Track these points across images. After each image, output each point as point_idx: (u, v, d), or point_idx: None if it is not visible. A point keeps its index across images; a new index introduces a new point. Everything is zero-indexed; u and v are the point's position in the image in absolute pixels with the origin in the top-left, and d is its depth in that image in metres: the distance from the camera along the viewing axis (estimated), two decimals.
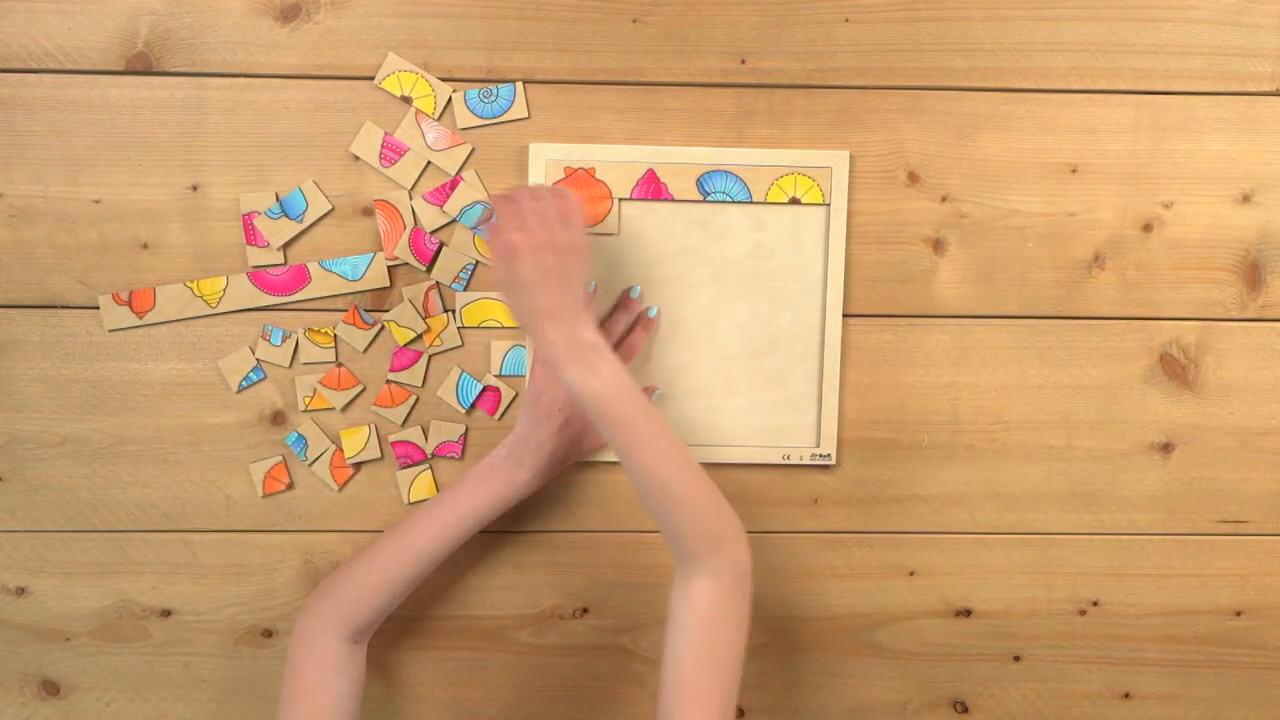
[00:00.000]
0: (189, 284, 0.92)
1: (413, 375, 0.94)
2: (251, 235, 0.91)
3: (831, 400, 0.95)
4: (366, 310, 0.93)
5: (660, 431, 0.82)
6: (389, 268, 0.92)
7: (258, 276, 0.92)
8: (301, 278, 0.92)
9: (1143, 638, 1.02)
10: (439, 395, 0.94)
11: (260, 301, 0.92)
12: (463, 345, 0.94)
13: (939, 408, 0.97)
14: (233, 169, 0.91)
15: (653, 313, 0.91)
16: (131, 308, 0.92)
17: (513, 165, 0.92)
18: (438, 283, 0.93)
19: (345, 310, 0.93)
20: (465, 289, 0.93)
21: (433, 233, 0.92)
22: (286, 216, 0.91)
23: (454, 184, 0.91)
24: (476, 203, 0.92)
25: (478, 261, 0.93)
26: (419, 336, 0.94)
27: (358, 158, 0.91)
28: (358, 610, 0.87)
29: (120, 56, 0.89)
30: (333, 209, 0.91)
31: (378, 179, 0.91)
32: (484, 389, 0.95)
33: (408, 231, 0.92)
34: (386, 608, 0.89)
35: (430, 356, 0.94)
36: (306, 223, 0.91)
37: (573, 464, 0.95)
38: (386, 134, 0.90)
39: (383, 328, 0.93)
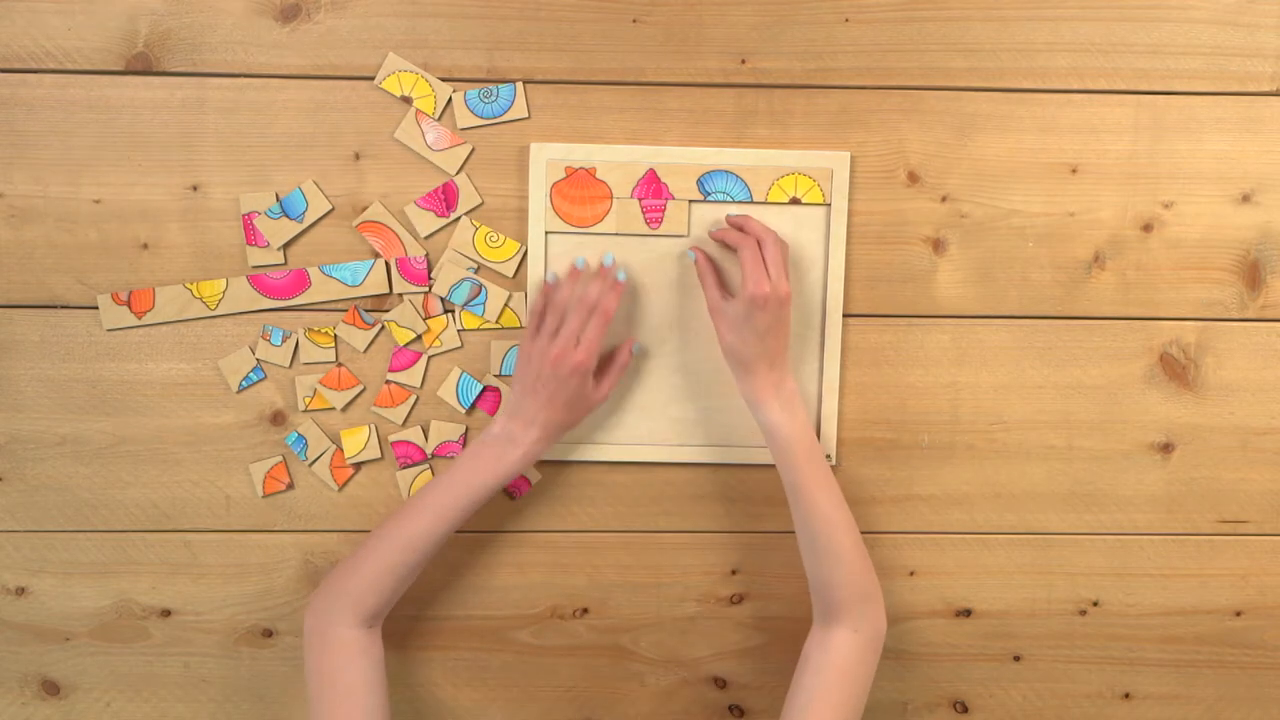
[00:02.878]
0: (188, 285, 0.92)
1: (412, 375, 0.94)
2: (251, 235, 0.91)
3: (831, 401, 0.95)
4: (367, 310, 0.93)
5: (834, 483, 0.89)
6: (389, 273, 0.92)
7: (257, 280, 0.92)
8: (301, 282, 0.92)
9: (1143, 638, 1.02)
10: (439, 395, 0.94)
11: (259, 304, 0.92)
12: (462, 346, 0.94)
13: (939, 408, 0.97)
14: (233, 169, 0.91)
15: (621, 276, 0.90)
16: (131, 308, 0.92)
17: (513, 165, 0.92)
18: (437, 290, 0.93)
19: (345, 310, 0.93)
20: (464, 305, 0.93)
21: (426, 238, 0.92)
22: (287, 216, 0.91)
23: (447, 188, 0.91)
24: (465, 279, 0.92)
25: (476, 283, 0.93)
26: (419, 337, 0.94)
27: (404, 145, 0.91)
28: (365, 599, 0.87)
29: (120, 56, 0.89)
30: (333, 209, 0.91)
31: (378, 179, 0.91)
32: (484, 389, 0.95)
33: (393, 262, 0.92)
34: (394, 594, 0.89)
35: (430, 357, 0.94)
36: (306, 223, 0.91)
37: (565, 437, 0.93)
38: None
39: (383, 328, 0.93)
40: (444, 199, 0.92)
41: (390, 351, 0.94)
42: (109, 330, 0.92)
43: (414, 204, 0.92)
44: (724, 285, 0.91)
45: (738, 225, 0.90)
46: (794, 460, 0.88)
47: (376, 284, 0.92)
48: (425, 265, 0.92)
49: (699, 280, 0.91)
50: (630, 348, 0.93)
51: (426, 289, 0.93)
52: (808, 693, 0.86)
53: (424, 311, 0.93)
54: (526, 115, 0.91)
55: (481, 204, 0.92)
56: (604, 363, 0.92)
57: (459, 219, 0.92)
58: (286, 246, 0.92)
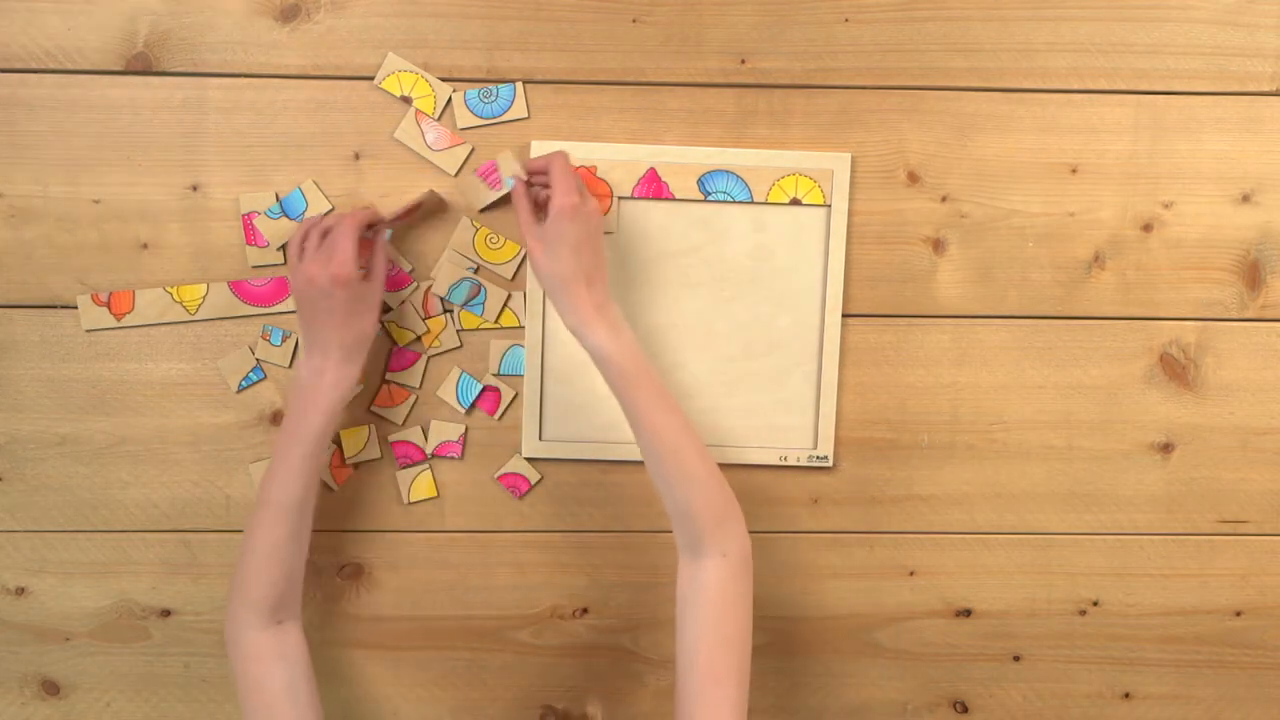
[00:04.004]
0: (169, 289, 0.92)
1: (411, 375, 0.94)
2: (251, 235, 0.91)
3: (829, 402, 0.95)
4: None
5: (672, 403, 0.85)
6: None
7: (239, 286, 0.92)
8: (282, 290, 0.92)
9: (1143, 638, 1.02)
10: (439, 395, 0.94)
11: (239, 311, 0.92)
12: (461, 346, 0.94)
13: (939, 408, 0.97)
14: (233, 169, 0.91)
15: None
16: (110, 309, 0.92)
17: None
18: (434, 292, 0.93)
19: None
20: (463, 304, 0.93)
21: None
22: (286, 216, 0.91)
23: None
24: (464, 279, 0.92)
25: (476, 283, 0.93)
26: (418, 338, 0.94)
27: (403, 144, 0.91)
28: (261, 593, 0.84)
29: (120, 56, 0.89)
30: (333, 209, 0.91)
31: (378, 179, 0.91)
32: (484, 389, 0.95)
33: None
34: (286, 578, 0.86)
35: (429, 357, 0.94)
36: (388, 220, 0.91)
37: (375, 342, 0.91)
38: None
39: (385, 338, 0.93)
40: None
41: (389, 351, 0.94)
42: (88, 331, 0.92)
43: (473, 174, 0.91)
44: (538, 208, 0.88)
45: (551, 154, 0.88)
46: (628, 382, 0.83)
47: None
48: (399, 269, 0.92)
49: (514, 205, 0.88)
50: (382, 234, 0.89)
51: (413, 288, 0.92)
52: (693, 632, 0.82)
53: (424, 312, 0.93)
54: (526, 115, 0.91)
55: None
56: (365, 250, 0.88)
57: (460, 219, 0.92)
58: (285, 247, 0.92)
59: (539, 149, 0.91)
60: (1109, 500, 0.99)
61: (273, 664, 0.84)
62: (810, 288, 0.94)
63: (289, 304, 0.92)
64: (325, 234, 0.85)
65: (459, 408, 0.95)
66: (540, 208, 0.88)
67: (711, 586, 0.82)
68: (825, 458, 0.96)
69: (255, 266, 0.92)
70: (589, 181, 0.92)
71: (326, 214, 0.90)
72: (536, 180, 0.89)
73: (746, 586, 0.84)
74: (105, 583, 0.97)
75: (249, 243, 0.91)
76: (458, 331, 0.94)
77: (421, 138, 0.91)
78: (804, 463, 0.96)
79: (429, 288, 0.93)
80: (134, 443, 0.94)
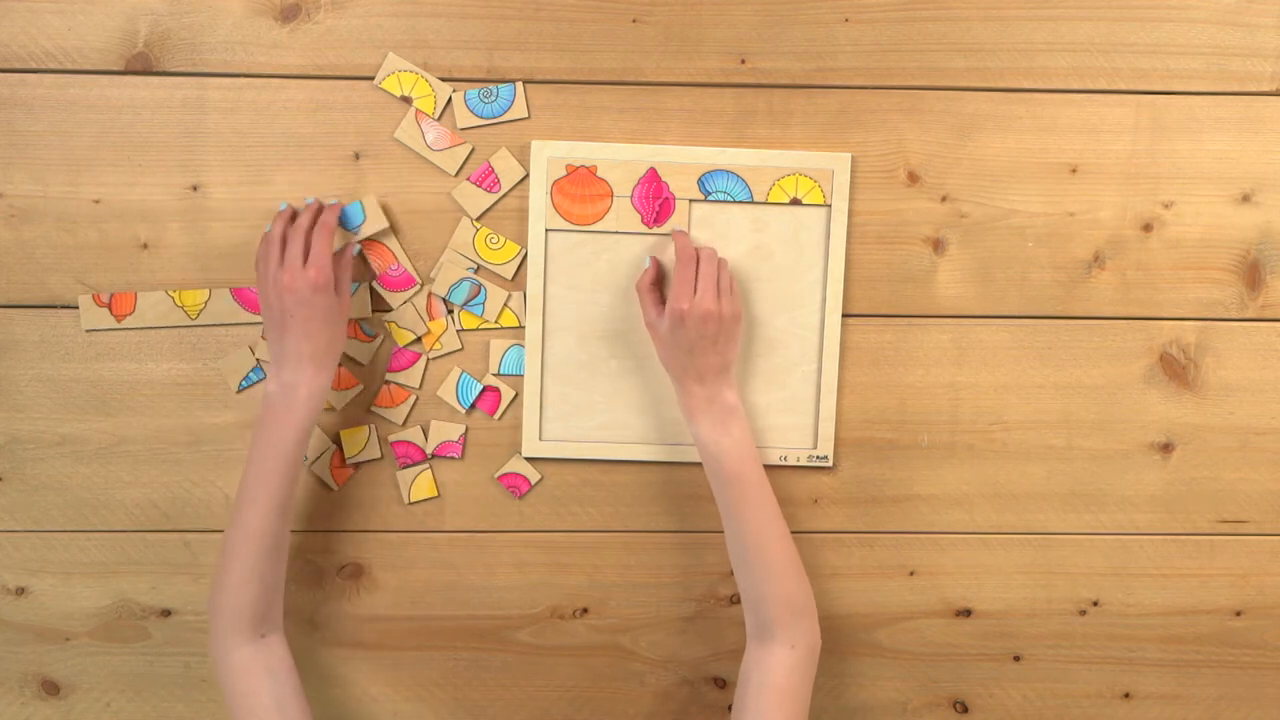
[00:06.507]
0: (171, 293, 0.92)
1: (411, 376, 0.94)
2: None
3: (829, 402, 0.95)
4: (365, 320, 0.93)
5: (769, 499, 0.88)
6: (372, 294, 0.92)
7: (240, 293, 0.92)
8: None
9: (1143, 638, 1.02)
10: (439, 395, 0.94)
11: (240, 318, 0.92)
12: (462, 348, 0.94)
13: (939, 408, 0.97)
14: (233, 169, 0.91)
15: (333, 200, 0.89)
16: (111, 310, 0.92)
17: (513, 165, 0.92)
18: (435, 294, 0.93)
19: None
20: (463, 304, 0.93)
21: (478, 217, 0.92)
22: (343, 228, 0.91)
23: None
24: (464, 279, 0.92)
25: (476, 283, 0.93)
26: (419, 339, 0.94)
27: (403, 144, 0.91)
28: (240, 608, 0.85)
29: (120, 56, 0.89)
30: (387, 227, 0.91)
31: (378, 179, 0.91)
32: (483, 389, 0.95)
33: (375, 282, 0.92)
34: (265, 592, 0.86)
35: (429, 359, 0.94)
36: (361, 235, 0.91)
37: (342, 352, 0.91)
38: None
39: (384, 339, 0.93)
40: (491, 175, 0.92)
41: (390, 351, 0.94)
42: (87, 331, 0.92)
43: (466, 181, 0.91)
44: (661, 302, 0.90)
45: (680, 243, 0.90)
46: (721, 477, 0.87)
47: (360, 306, 0.92)
48: (403, 270, 0.92)
49: (638, 293, 0.91)
50: (351, 248, 0.90)
51: (416, 289, 0.93)
52: (752, 714, 0.85)
53: (427, 314, 0.93)
54: (526, 115, 0.91)
55: (525, 176, 0.92)
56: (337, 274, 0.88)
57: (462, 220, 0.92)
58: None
59: (538, 149, 0.91)
60: (1109, 500, 0.99)
61: (260, 678, 0.84)
62: (810, 288, 0.94)
63: None
64: (291, 244, 0.85)
65: (459, 408, 0.95)
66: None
67: (777, 673, 0.86)
68: (825, 457, 0.96)
69: None
70: (589, 180, 0.92)
71: (293, 218, 0.88)
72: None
73: (809, 681, 0.87)
74: (105, 583, 0.97)
75: None
76: (458, 332, 0.94)
77: (422, 138, 0.91)
78: (804, 463, 0.96)
79: (431, 289, 0.93)
80: (134, 443, 0.94)
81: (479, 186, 0.92)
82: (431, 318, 0.93)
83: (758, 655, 0.87)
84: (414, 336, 0.94)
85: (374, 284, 0.92)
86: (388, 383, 0.94)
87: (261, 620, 0.86)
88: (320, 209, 0.88)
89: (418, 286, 0.93)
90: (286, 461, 0.85)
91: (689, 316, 0.85)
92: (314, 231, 0.85)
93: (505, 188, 0.92)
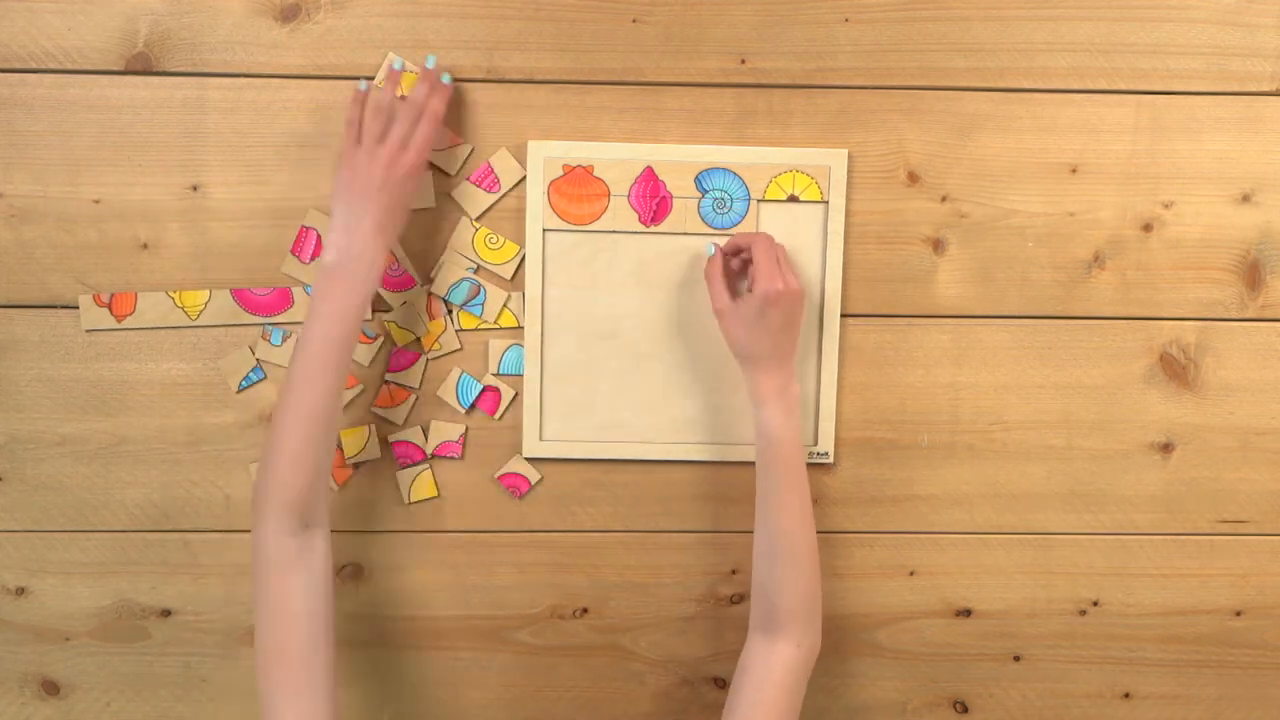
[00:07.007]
0: (171, 294, 0.92)
1: (410, 376, 0.94)
2: (301, 246, 0.91)
3: (829, 399, 0.95)
4: (366, 320, 0.93)
5: (808, 493, 0.89)
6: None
7: (241, 294, 0.92)
8: (285, 300, 0.92)
9: (1143, 638, 1.02)
10: (439, 395, 0.94)
11: (241, 319, 0.92)
12: (461, 349, 0.94)
13: (939, 408, 0.97)
14: (233, 169, 0.91)
15: (446, 79, 0.88)
16: (111, 310, 0.92)
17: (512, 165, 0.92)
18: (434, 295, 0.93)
19: None
20: (462, 304, 0.93)
21: (477, 218, 0.92)
22: None
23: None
24: (464, 279, 0.92)
25: (475, 283, 0.93)
26: (418, 340, 0.94)
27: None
28: (291, 492, 0.81)
29: (120, 56, 0.89)
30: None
31: None
32: (483, 389, 0.95)
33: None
34: (316, 473, 0.83)
35: (429, 359, 0.94)
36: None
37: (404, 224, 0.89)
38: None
39: (385, 340, 0.93)
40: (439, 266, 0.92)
41: (389, 351, 0.94)
42: (87, 331, 0.92)
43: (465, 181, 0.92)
44: (733, 287, 0.91)
45: (748, 236, 0.91)
46: (777, 463, 0.87)
47: None
48: (404, 270, 0.92)
49: (706, 280, 0.91)
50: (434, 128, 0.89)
51: (415, 288, 0.93)
52: (747, 706, 0.85)
53: (427, 315, 0.93)
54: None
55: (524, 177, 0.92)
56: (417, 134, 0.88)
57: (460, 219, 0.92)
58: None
59: (535, 149, 0.91)
60: (1109, 500, 0.99)
61: (297, 576, 0.81)
62: (809, 284, 0.94)
63: (290, 314, 0.92)
64: (386, 120, 0.85)
65: (459, 408, 0.95)
66: (731, 281, 0.91)
67: (779, 670, 0.86)
68: (826, 454, 0.96)
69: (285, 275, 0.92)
70: (586, 180, 0.92)
71: (383, 89, 0.86)
72: (735, 257, 0.91)
73: (805, 681, 0.88)
74: (105, 583, 0.97)
75: (293, 251, 0.91)
76: (457, 332, 0.94)
77: None
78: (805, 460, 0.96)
79: (431, 289, 0.93)
80: (134, 443, 0.94)
81: (479, 187, 0.92)
82: (431, 318, 0.93)
83: (761, 650, 0.87)
84: (414, 337, 0.93)
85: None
86: (387, 383, 0.94)
87: (310, 509, 0.82)
88: (430, 84, 0.87)
89: (417, 286, 0.93)
90: (346, 336, 0.83)
91: (784, 296, 0.86)
92: (422, 117, 0.85)
93: (505, 187, 0.92)
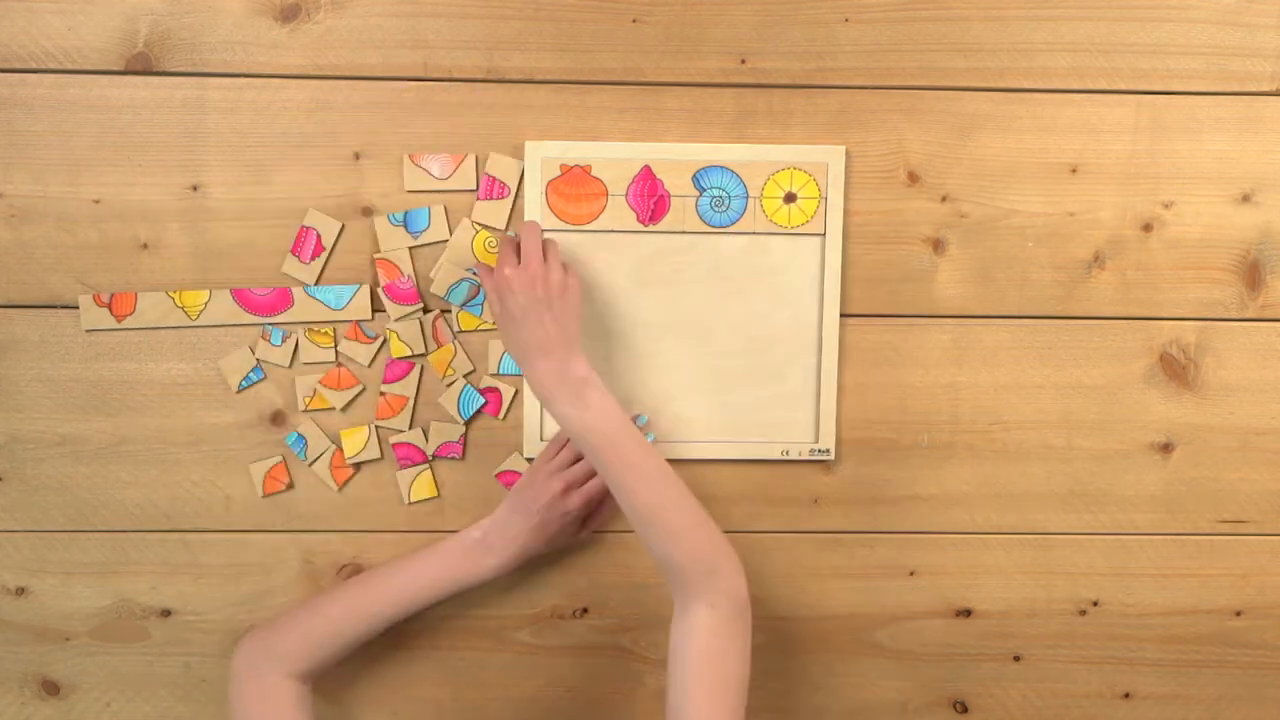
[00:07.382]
0: (171, 294, 0.92)
1: (405, 386, 0.94)
2: (300, 246, 0.91)
3: (830, 396, 0.95)
4: (367, 322, 0.93)
5: (651, 461, 0.84)
6: (372, 299, 0.92)
7: (241, 294, 0.92)
8: (284, 300, 0.92)
9: (1143, 638, 1.02)
10: (440, 403, 0.94)
11: (240, 319, 0.92)
12: (475, 371, 0.94)
13: (939, 408, 0.97)
14: (233, 169, 0.91)
15: (651, 438, 0.93)
16: (111, 310, 0.92)
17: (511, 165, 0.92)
18: (442, 311, 0.93)
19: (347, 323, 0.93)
20: (462, 305, 0.93)
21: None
22: (405, 229, 0.91)
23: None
24: (463, 279, 0.92)
25: (475, 283, 0.93)
26: (415, 356, 0.93)
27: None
28: (303, 655, 0.87)
29: (120, 56, 0.89)
30: (446, 241, 0.91)
31: (378, 179, 0.91)
32: (484, 403, 0.94)
33: (380, 288, 0.92)
34: (332, 659, 0.89)
35: (423, 368, 0.94)
36: (421, 241, 0.91)
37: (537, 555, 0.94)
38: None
39: (385, 340, 0.93)
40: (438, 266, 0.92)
41: (385, 361, 0.94)
42: (87, 331, 0.92)
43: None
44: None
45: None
46: (594, 451, 0.83)
47: (359, 309, 0.92)
48: (413, 285, 0.92)
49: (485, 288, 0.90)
50: (611, 502, 0.93)
51: (418, 308, 0.92)
52: (680, 682, 0.80)
53: (434, 342, 0.93)
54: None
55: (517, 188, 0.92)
56: (596, 508, 0.94)
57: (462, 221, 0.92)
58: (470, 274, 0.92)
59: (532, 150, 0.91)
60: (1109, 500, 0.99)
61: (290, 709, 0.86)
62: (808, 282, 0.94)
63: (289, 314, 0.92)
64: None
65: (459, 420, 0.95)
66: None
67: (699, 637, 0.81)
68: (827, 451, 0.96)
69: (284, 275, 0.92)
70: (583, 179, 0.92)
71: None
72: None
73: (739, 638, 0.82)
74: (105, 583, 0.97)
75: (293, 251, 0.91)
76: (455, 333, 0.94)
77: (429, 175, 0.91)
78: (806, 457, 0.96)
79: (435, 316, 0.93)
80: (134, 443, 0.94)
81: (489, 200, 0.92)
82: (439, 344, 0.93)
83: (681, 622, 0.82)
84: (409, 352, 0.93)
85: (377, 289, 0.92)
86: (383, 394, 0.94)
87: (308, 673, 0.88)
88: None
89: (419, 305, 0.92)
90: (436, 592, 0.91)
91: (514, 282, 0.83)
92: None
93: (513, 189, 0.92)
